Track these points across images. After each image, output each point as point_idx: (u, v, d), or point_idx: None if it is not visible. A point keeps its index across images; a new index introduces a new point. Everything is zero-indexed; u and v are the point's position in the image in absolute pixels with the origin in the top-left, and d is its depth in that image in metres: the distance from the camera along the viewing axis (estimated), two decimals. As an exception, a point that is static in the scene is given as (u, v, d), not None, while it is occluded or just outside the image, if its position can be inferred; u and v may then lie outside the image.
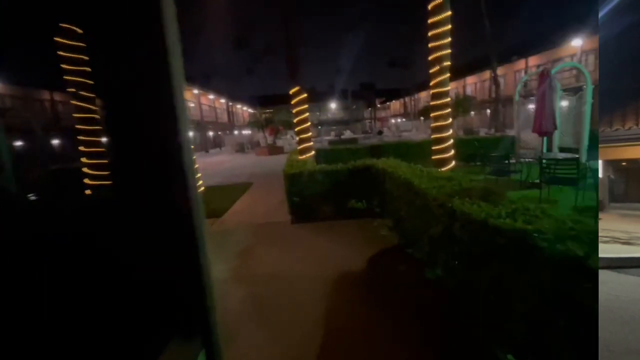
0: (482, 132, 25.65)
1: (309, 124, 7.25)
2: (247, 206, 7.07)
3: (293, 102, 7.08)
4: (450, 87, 5.89)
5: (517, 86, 9.60)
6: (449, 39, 5.59)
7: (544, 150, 8.82)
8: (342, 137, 25.71)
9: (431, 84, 5.94)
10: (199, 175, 7.35)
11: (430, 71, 5.84)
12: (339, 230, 5.03)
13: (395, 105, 61.02)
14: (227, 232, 5.38)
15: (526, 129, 10.00)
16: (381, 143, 10.06)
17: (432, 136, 6.16)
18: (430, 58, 5.78)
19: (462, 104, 20.59)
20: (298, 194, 5.37)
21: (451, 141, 6.02)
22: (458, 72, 36.01)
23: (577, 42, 19.42)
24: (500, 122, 24.03)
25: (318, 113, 52.57)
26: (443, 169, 5.99)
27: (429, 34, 5.69)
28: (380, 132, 25.86)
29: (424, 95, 50.15)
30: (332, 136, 30.60)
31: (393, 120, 59.35)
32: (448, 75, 5.76)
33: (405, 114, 46.91)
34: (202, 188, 7.40)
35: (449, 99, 5.91)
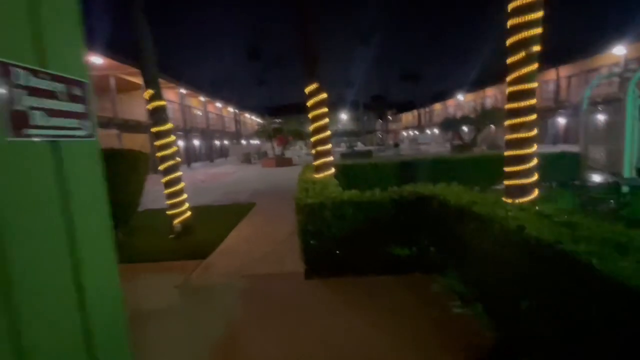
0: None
1: (328, 132, 5.53)
2: (245, 240, 5.31)
3: (310, 103, 5.38)
4: (537, 83, 4.11)
5: (586, 91, 7.77)
6: (541, 13, 3.86)
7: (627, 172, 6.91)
8: (355, 149, 24.01)
9: (509, 79, 4.17)
10: (183, 197, 5.65)
11: (509, 60, 4.09)
12: (380, 296, 3.22)
13: (407, 117, 59.47)
14: (207, 291, 3.61)
15: (593, 145, 8.11)
16: (410, 158, 8.24)
17: (507, 152, 4.36)
18: (510, 42, 4.04)
19: (488, 116, 18.76)
20: (316, 235, 3.59)
21: (535, 161, 4.21)
22: (477, 83, 34.37)
23: (619, 50, 17.52)
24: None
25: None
26: (523, 200, 4.17)
27: (510, 6, 3.97)
28: (396, 145, 24.05)
29: (438, 108, 48.58)
30: (343, 148, 28.95)
31: (405, 133, 57.69)
32: (536, 66, 3.99)
33: (418, 126, 45.19)
34: (188, 213, 5.67)
35: (534, 101, 4.12)
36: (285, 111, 41.89)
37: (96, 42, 14.75)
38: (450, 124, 20.07)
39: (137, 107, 19.65)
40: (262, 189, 10.96)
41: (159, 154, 5.46)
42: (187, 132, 25.30)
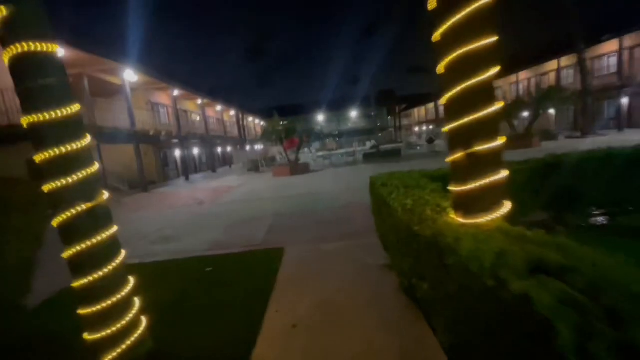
0: (562, 137, 20.04)
1: (493, 107, 2.08)
2: None
3: (439, 33, 1.92)
4: None
5: None
6: None
7: None
8: (382, 148, 20.48)
9: None
10: (127, 288, 2.18)
11: None
12: None
13: (420, 111, 55.74)
14: None
15: None
16: (558, 158, 4.53)
17: None
18: None
19: (550, 98, 15.12)
20: None
21: None
22: (513, 64, 30.48)
23: None
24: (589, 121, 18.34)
25: (337, 123, 47.81)
26: None
27: None
28: (431, 140, 20.42)
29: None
30: (366, 147, 25.44)
31: (417, 129, 53.82)
32: None
33: (436, 120, 41.46)
34: (140, 329, 2.22)
35: None
36: (293, 112, 38.55)
37: (61, 29, 11.45)
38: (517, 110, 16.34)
39: (120, 113, 16.36)
40: (286, 214, 7.49)
41: (46, 186, 2.05)
42: (183, 140, 21.97)
